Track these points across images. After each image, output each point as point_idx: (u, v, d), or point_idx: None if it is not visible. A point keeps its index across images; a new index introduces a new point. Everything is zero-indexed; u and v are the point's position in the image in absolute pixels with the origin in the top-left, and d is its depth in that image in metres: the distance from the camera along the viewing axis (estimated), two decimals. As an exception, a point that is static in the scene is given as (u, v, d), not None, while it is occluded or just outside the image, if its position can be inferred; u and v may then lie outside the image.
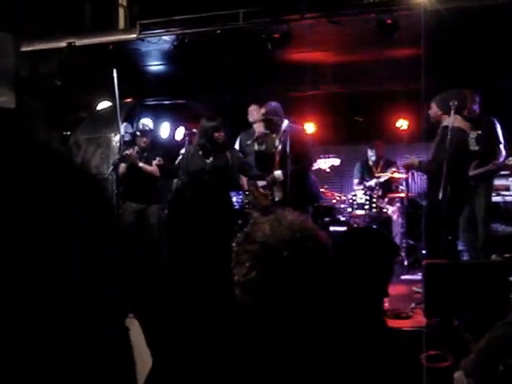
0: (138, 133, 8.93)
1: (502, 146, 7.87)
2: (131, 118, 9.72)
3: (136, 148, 8.80)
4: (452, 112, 7.24)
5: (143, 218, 8.70)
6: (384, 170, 9.55)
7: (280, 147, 7.52)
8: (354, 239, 3.01)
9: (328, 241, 2.07)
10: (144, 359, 2.46)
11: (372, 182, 9.34)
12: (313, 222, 2.15)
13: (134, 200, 8.76)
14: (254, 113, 8.57)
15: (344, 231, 8.58)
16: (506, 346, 3.38)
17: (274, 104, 7.54)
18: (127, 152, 8.65)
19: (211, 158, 7.96)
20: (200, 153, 7.96)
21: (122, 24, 9.04)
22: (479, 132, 7.90)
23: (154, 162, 8.63)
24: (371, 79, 9.15)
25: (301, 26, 7.42)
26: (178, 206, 2.65)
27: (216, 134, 7.80)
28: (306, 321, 2.02)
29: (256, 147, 7.77)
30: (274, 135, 7.53)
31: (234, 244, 2.03)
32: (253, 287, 1.95)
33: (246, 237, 2.00)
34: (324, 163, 8.50)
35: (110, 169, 8.58)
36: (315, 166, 8.41)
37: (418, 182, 10.82)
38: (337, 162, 8.59)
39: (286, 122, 7.52)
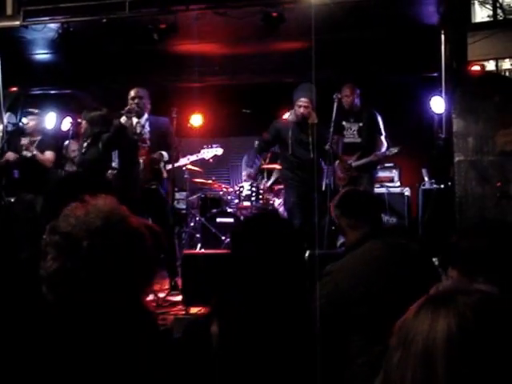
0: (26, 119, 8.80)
1: (383, 138, 8.17)
2: (15, 107, 9.50)
3: (28, 138, 8.67)
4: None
5: (32, 207, 8.54)
6: (271, 162, 9.65)
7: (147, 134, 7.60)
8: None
9: (141, 228, 1.95)
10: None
11: (261, 181, 9.42)
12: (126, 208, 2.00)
13: (24, 189, 8.60)
14: None
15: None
16: None
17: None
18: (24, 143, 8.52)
19: (83, 150, 7.95)
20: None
21: (10, 10, 8.81)
22: (360, 124, 8.17)
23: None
24: (258, 71, 9.23)
25: (187, 16, 7.43)
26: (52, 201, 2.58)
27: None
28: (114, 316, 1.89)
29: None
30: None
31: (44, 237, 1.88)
32: (55, 281, 1.82)
33: (51, 228, 1.86)
34: (207, 153, 8.54)
35: (-9, 159, 8.43)
36: (199, 156, 8.46)
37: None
38: (219, 151, 8.64)
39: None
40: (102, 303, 1.84)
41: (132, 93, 7.58)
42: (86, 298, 1.82)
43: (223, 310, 2.48)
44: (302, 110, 7.72)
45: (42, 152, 8.55)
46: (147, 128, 7.57)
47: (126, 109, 7.44)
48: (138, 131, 7.54)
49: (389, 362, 1.31)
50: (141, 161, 7.51)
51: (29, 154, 8.47)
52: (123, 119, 7.44)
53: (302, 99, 7.72)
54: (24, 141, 8.60)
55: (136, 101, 7.50)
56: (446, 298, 1.30)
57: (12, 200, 8.71)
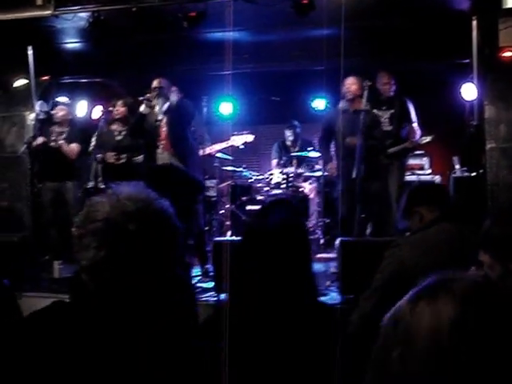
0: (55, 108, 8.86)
1: (415, 125, 8.10)
2: (47, 96, 9.58)
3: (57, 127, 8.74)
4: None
5: (60, 195, 8.62)
6: (301, 150, 9.66)
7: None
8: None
9: (170, 209, 1.96)
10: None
11: (290, 169, 9.44)
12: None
13: (49, 178, 8.69)
14: None
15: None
16: None
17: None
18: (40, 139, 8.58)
19: (121, 137, 8.03)
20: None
21: (40, 0, 8.86)
22: (392, 112, 8.11)
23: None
24: (288, 59, 9.22)
25: (217, 4, 7.42)
26: None
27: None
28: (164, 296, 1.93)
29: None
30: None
31: (73, 229, 1.87)
32: (103, 268, 1.81)
33: (85, 218, 1.86)
34: (237, 140, 8.53)
35: (24, 147, 8.49)
36: (229, 143, 8.46)
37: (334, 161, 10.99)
38: (250, 138, 8.61)
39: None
40: (142, 285, 1.86)
41: (154, 83, 7.64)
42: (129, 282, 1.83)
43: (235, 295, 2.52)
44: (346, 87, 7.68)
45: (69, 143, 8.61)
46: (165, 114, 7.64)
47: (146, 96, 7.52)
48: (160, 118, 7.60)
49: (385, 357, 1.27)
50: (161, 145, 7.56)
51: (56, 145, 8.54)
52: (142, 107, 7.52)
53: (347, 81, 7.69)
54: (53, 131, 8.69)
55: (157, 91, 7.56)
56: (439, 287, 1.28)
57: (41, 186, 8.83)
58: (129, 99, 8.39)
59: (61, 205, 8.55)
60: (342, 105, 7.87)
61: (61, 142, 8.52)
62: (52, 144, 8.55)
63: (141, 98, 7.52)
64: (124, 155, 8.23)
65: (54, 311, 1.92)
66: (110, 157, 8.34)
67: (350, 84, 7.70)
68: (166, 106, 7.60)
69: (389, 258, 3.82)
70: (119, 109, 8.40)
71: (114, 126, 8.48)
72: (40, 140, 8.54)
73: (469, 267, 3.37)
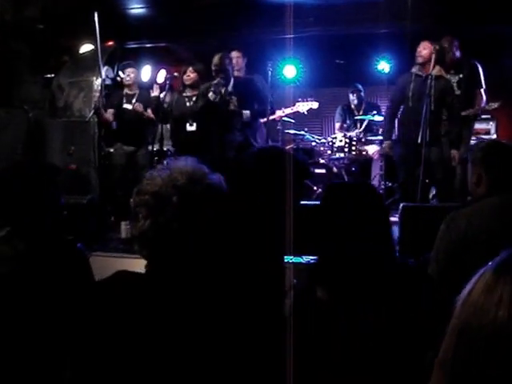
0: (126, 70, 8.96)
1: (482, 91, 7.95)
2: (112, 61, 9.69)
3: (125, 92, 8.85)
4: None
5: (133, 159, 8.75)
6: (366, 113, 9.62)
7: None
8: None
9: (222, 184, 2.06)
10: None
11: (354, 132, 9.40)
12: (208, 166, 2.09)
13: (124, 142, 8.81)
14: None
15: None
16: None
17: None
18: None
19: (191, 102, 8.07)
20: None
21: (105, -33, 8.96)
22: (460, 76, 7.96)
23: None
24: (353, 22, 9.13)
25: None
26: None
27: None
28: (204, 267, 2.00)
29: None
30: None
31: (131, 200, 2.00)
32: (148, 238, 1.93)
33: (138, 190, 1.98)
34: (302, 106, 8.55)
35: (92, 112, 8.62)
36: (294, 109, 8.47)
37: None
38: (315, 105, 8.64)
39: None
40: (194, 255, 1.95)
41: (214, 60, 7.65)
42: (178, 250, 1.94)
43: (327, 272, 2.43)
44: (417, 52, 7.52)
45: (145, 108, 8.72)
46: (234, 94, 7.66)
47: (214, 83, 7.55)
48: (227, 98, 7.63)
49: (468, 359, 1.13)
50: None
51: (130, 107, 8.64)
52: (211, 95, 7.54)
53: (420, 45, 7.54)
54: (124, 94, 8.80)
55: (221, 75, 7.58)
56: None
57: (111, 150, 8.96)
58: (199, 65, 8.41)
59: (131, 169, 8.67)
60: (414, 69, 7.72)
61: (137, 105, 8.61)
62: (126, 106, 8.66)
63: (210, 88, 7.56)
64: (194, 121, 8.29)
65: (117, 279, 2.03)
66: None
67: (422, 48, 7.55)
68: (231, 86, 7.66)
69: (445, 237, 3.48)
70: (190, 75, 8.41)
71: (185, 93, 8.53)
72: (111, 117, 8.67)
73: None
